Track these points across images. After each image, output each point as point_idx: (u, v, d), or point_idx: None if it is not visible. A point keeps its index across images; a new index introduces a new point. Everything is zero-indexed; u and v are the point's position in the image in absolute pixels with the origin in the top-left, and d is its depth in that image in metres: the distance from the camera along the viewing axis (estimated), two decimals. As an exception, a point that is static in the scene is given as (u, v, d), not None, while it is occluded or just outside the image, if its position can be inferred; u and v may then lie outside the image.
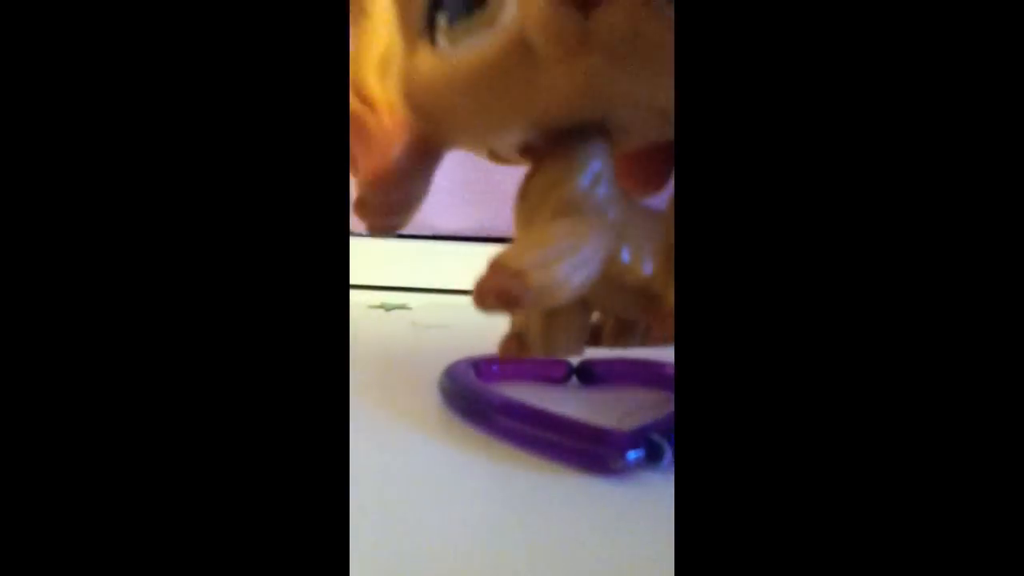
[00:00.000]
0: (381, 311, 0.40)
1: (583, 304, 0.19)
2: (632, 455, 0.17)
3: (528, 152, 0.19)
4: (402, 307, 0.40)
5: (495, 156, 0.20)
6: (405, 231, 0.39)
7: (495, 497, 0.17)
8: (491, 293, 0.15)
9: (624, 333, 0.20)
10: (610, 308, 0.20)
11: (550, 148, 0.18)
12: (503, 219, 0.20)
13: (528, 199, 0.18)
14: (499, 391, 0.21)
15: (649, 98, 0.17)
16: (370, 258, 0.45)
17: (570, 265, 0.16)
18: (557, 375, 0.25)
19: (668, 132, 0.18)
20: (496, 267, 0.16)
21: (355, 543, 0.13)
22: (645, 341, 0.18)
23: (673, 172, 0.21)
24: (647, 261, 0.18)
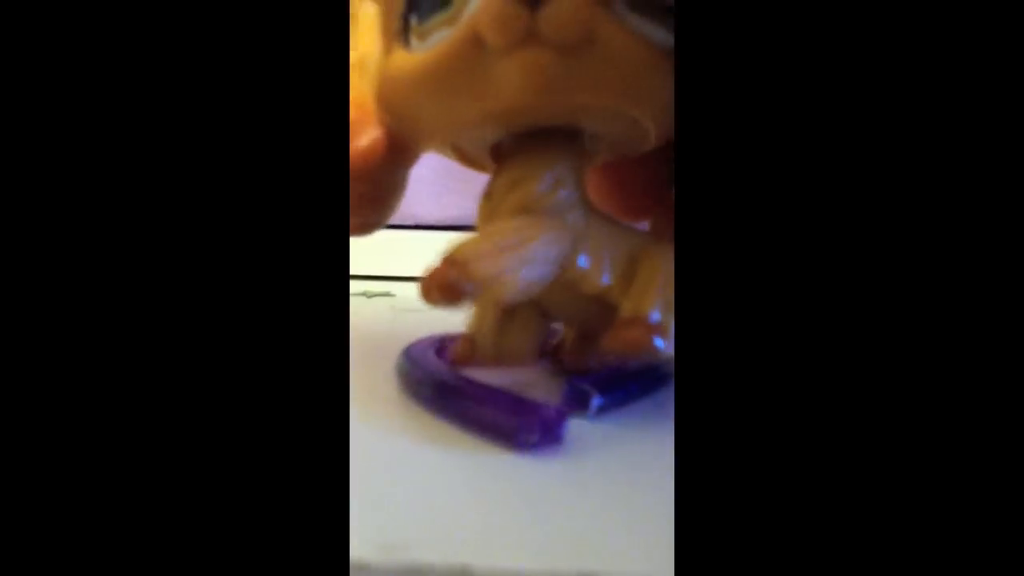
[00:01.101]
0: (363, 298, 0.41)
1: (539, 312, 0.19)
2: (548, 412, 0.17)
3: (496, 153, 0.19)
4: (385, 294, 0.41)
5: (467, 159, 0.20)
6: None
7: (440, 474, 0.16)
8: (435, 285, 0.16)
9: (585, 347, 0.20)
10: (567, 316, 0.20)
11: (516, 150, 0.19)
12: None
13: (490, 198, 0.19)
14: (444, 368, 0.21)
15: (616, 106, 0.17)
16: (353, 248, 0.45)
17: (517, 260, 0.17)
18: None
19: (644, 145, 0.19)
20: (443, 259, 0.16)
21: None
22: (608, 341, 0.18)
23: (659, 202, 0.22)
24: (605, 270, 0.18)
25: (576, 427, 0.18)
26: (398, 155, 0.19)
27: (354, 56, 0.20)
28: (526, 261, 0.17)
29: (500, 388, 0.19)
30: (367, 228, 0.20)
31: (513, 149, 0.19)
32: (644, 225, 0.22)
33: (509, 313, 0.19)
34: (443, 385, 0.19)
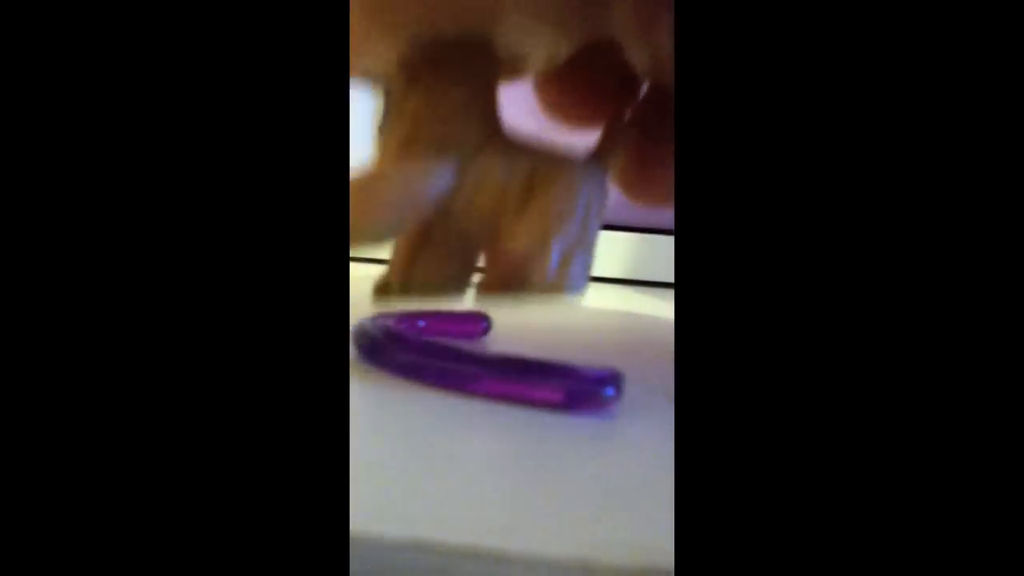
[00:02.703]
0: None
1: (458, 239, 0.18)
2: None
3: (405, 71, 0.17)
4: None
5: (376, 83, 0.19)
6: None
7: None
8: None
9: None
10: (471, 243, 0.18)
11: (424, 69, 0.17)
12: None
13: (382, 123, 0.18)
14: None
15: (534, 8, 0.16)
16: None
17: (378, 205, 0.16)
18: (475, 331, 0.22)
19: (563, 53, 0.18)
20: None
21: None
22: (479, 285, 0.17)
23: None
24: (491, 202, 0.17)
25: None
26: None
27: None
28: (397, 201, 0.16)
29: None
30: None
31: (421, 66, 0.17)
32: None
33: (424, 242, 0.18)
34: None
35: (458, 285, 0.19)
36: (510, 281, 0.17)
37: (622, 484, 0.13)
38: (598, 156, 0.18)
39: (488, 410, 0.15)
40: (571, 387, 0.15)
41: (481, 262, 0.19)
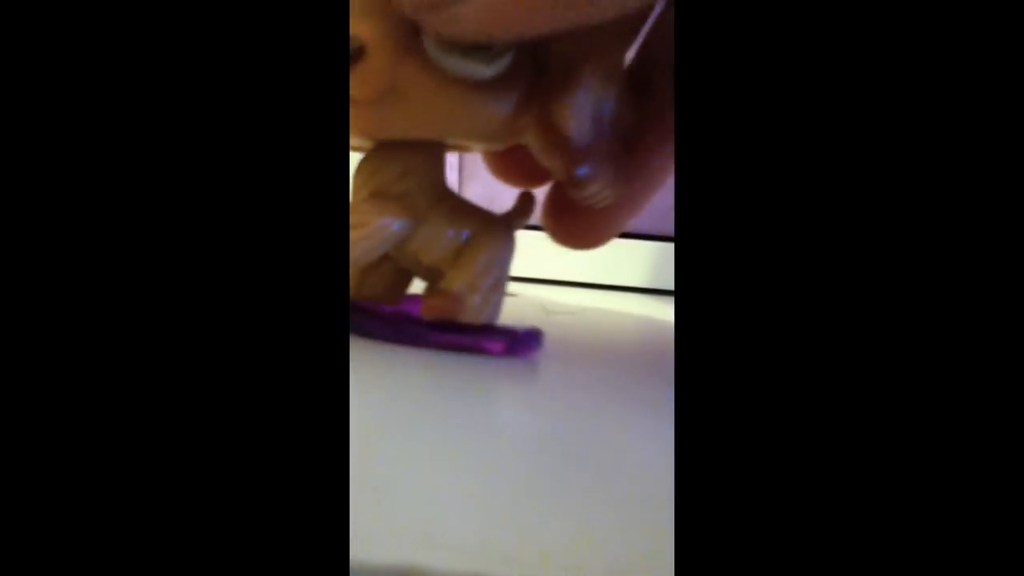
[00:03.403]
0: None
1: (395, 267, 0.24)
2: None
3: (375, 144, 0.23)
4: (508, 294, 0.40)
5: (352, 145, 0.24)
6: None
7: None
8: None
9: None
10: (415, 273, 0.25)
11: (388, 145, 0.22)
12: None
13: (356, 177, 0.23)
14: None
15: (426, 136, 0.21)
16: None
17: (354, 239, 0.21)
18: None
19: (488, 144, 0.23)
20: None
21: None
22: (422, 307, 0.24)
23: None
24: (436, 250, 0.23)
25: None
26: None
27: None
28: (366, 238, 0.21)
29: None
30: None
31: (376, 144, 0.23)
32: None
33: (370, 266, 0.24)
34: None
35: (394, 299, 0.25)
36: (446, 313, 0.23)
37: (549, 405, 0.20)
38: (512, 219, 0.25)
39: (449, 357, 0.23)
40: (510, 339, 0.23)
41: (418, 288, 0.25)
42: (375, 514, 0.12)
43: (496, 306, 0.24)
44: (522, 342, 0.23)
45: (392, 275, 0.25)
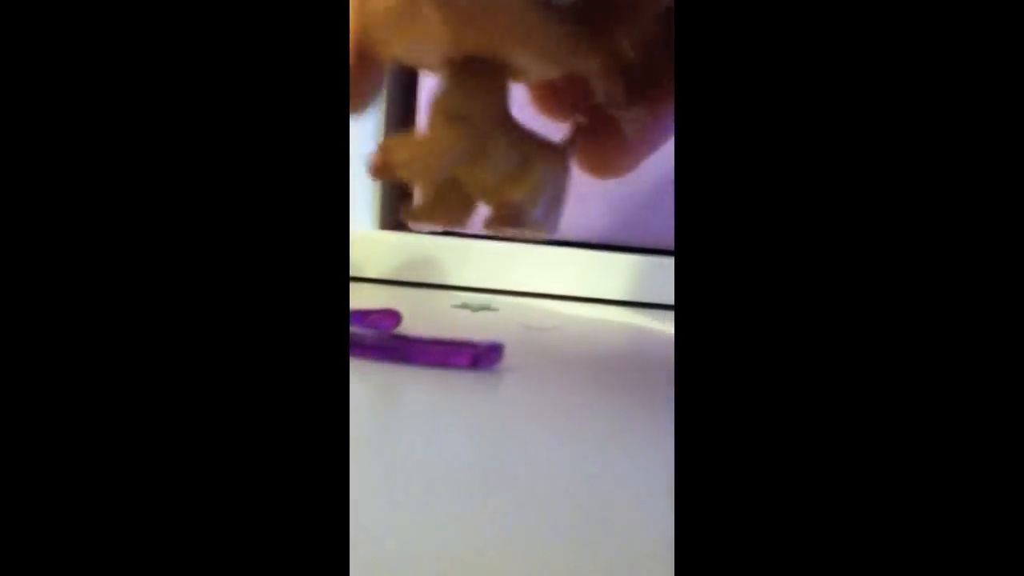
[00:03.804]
0: (465, 311, 0.41)
1: (462, 190, 0.26)
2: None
3: (448, 66, 0.26)
4: (487, 308, 0.41)
5: (429, 68, 0.27)
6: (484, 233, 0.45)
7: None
8: (370, 166, 0.23)
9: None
10: (477, 192, 0.26)
11: (459, 68, 0.25)
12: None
13: (431, 104, 0.25)
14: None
15: (519, 47, 0.23)
16: (455, 259, 0.49)
17: (423, 155, 0.24)
18: (391, 323, 0.31)
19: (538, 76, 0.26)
20: (383, 145, 0.23)
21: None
22: (487, 220, 0.26)
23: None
24: (499, 169, 0.25)
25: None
26: (367, 63, 0.26)
27: None
28: (437, 155, 0.24)
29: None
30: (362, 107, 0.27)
31: (458, 66, 0.25)
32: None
33: (438, 192, 0.26)
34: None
35: (462, 218, 0.27)
36: (510, 222, 0.25)
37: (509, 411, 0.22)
38: (567, 146, 0.27)
39: (420, 371, 0.24)
40: (474, 354, 0.25)
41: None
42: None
43: (555, 220, 0.26)
44: (485, 356, 0.25)
45: (459, 199, 0.26)
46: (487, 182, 0.25)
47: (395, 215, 0.59)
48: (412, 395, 0.22)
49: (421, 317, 0.37)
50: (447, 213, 0.27)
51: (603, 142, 0.27)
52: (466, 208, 0.27)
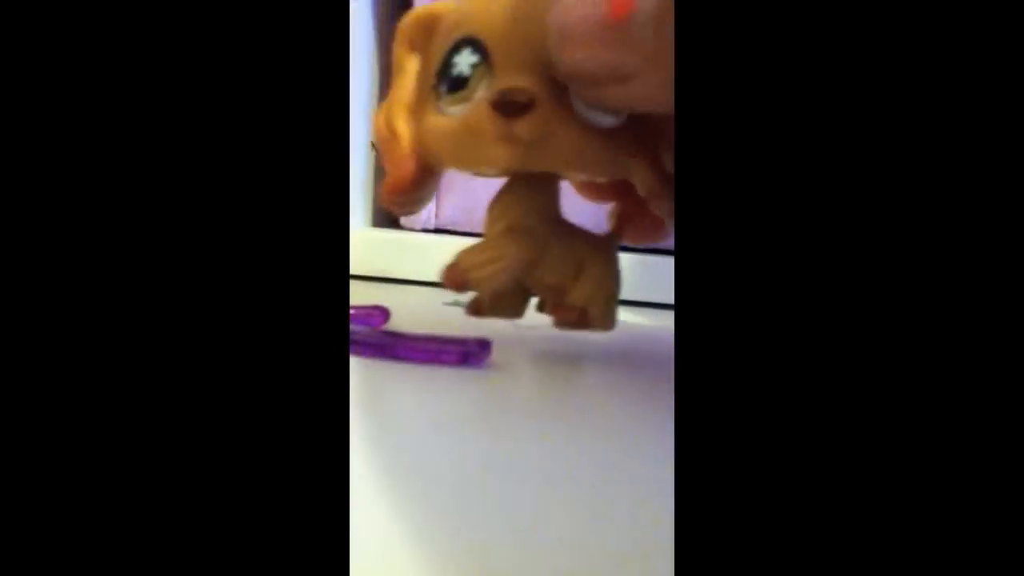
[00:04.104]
0: (456, 308, 0.40)
1: (522, 288, 0.29)
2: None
3: (509, 180, 0.28)
4: None
5: (485, 176, 0.29)
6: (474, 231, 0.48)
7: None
8: (447, 279, 0.26)
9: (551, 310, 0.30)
10: (540, 292, 0.29)
11: (507, 185, 0.27)
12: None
13: (491, 212, 0.27)
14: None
15: (566, 171, 0.26)
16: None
17: (495, 270, 0.26)
18: (380, 319, 0.32)
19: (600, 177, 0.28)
20: (454, 261, 0.26)
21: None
22: (554, 319, 0.28)
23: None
24: (559, 272, 0.27)
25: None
26: (427, 173, 0.28)
27: (403, 100, 0.28)
28: (502, 271, 0.26)
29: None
30: (409, 213, 0.30)
31: (507, 183, 0.27)
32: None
33: (505, 288, 0.28)
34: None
35: (521, 311, 0.29)
36: (575, 325, 0.27)
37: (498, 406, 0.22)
38: (614, 238, 0.29)
39: (412, 368, 0.25)
40: (463, 351, 0.25)
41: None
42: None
43: (614, 315, 0.28)
44: (474, 353, 0.25)
45: (518, 294, 0.29)
46: (547, 282, 0.27)
47: (387, 213, 0.60)
48: (400, 391, 0.22)
49: (412, 314, 0.37)
50: (508, 308, 0.29)
51: (642, 223, 0.30)
52: (524, 301, 0.30)
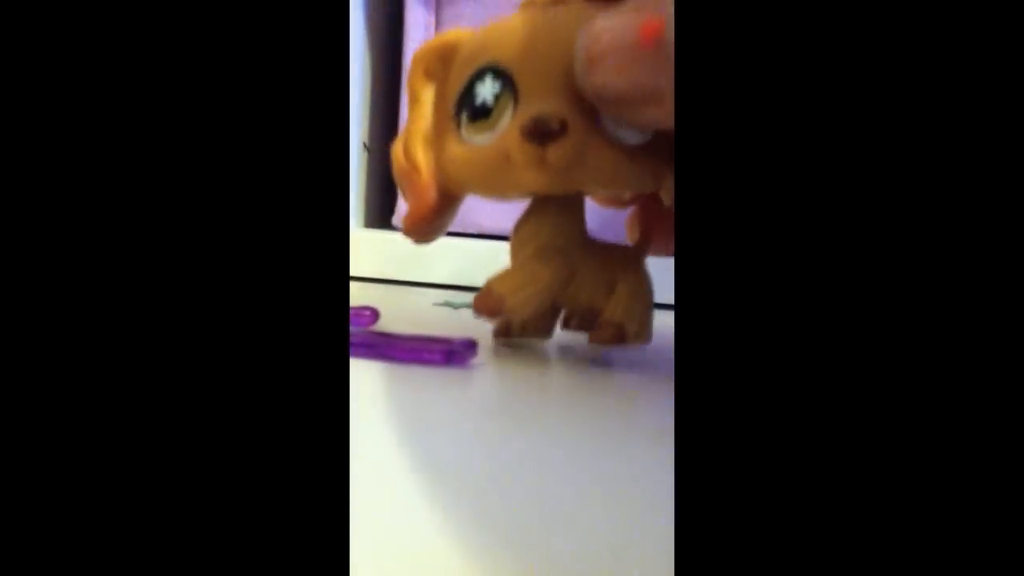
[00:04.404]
0: (447, 308, 0.41)
1: (554, 308, 0.29)
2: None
3: (537, 203, 0.28)
4: (468, 306, 0.41)
5: (504, 199, 0.29)
6: (471, 232, 0.51)
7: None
8: (482, 307, 0.25)
9: (582, 326, 0.30)
10: (572, 311, 0.30)
11: (534, 206, 0.28)
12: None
13: (518, 236, 0.27)
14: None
15: (597, 190, 0.27)
16: (438, 258, 0.50)
17: (530, 294, 0.26)
18: (370, 319, 0.32)
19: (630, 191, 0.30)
20: (487, 288, 0.26)
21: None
22: (591, 337, 0.28)
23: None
24: (591, 290, 0.27)
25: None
26: (448, 201, 0.28)
27: (421, 130, 0.28)
28: (535, 295, 0.26)
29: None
30: (428, 241, 0.30)
31: (533, 205, 0.28)
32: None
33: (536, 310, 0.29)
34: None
35: (548, 333, 0.30)
36: (614, 340, 0.27)
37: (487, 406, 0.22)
38: (641, 251, 0.30)
39: (398, 368, 0.25)
40: (448, 350, 0.25)
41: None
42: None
43: (650, 327, 0.28)
44: (459, 353, 0.25)
45: (548, 314, 0.30)
46: (581, 301, 0.28)
47: (379, 214, 0.60)
48: (387, 390, 0.23)
49: (402, 315, 0.37)
50: (540, 329, 0.30)
51: (666, 231, 0.31)
52: (554, 321, 0.30)
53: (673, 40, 0.19)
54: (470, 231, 0.53)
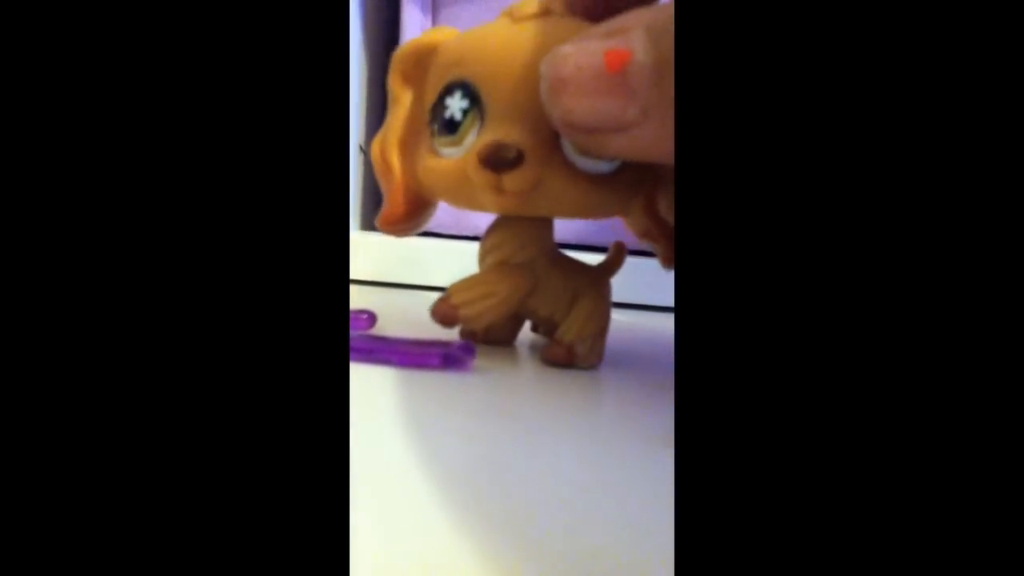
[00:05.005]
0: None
1: (514, 318, 0.30)
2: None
3: (502, 220, 0.28)
4: None
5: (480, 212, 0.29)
6: (469, 235, 0.52)
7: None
8: (438, 315, 0.26)
9: (548, 334, 0.30)
10: (534, 322, 0.30)
11: (500, 221, 0.28)
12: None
13: (484, 245, 0.28)
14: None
15: (557, 216, 0.26)
16: (435, 259, 0.50)
17: (487, 307, 0.26)
18: (368, 323, 0.32)
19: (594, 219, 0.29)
20: (445, 296, 0.26)
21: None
22: (542, 354, 0.28)
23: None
24: (552, 305, 0.28)
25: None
26: (422, 204, 0.29)
27: (398, 132, 0.28)
28: (493, 307, 0.26)
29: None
30: (403, 235, 0.31)
31: (501, 217, 0.28)
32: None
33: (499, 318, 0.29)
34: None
35: (510, 341, 0.31)
36: (563, 361, 0.27)
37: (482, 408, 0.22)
38: (609, 269, 0.30)
39: (396, 372, 0.25)
40: (445, 354, 0.25)
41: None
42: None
43: (601, 350, 0.28)
44: (457, 356, 0.25)
45: (511, 322, 0.30)
46: (540, 314, 0.28)
47: (375, 216, 0.60)
48: (384, 393, 0.22)
49: (399, 318, 0.37)
50: (501, 338, 0.30)
51: (666, 237, 0.31)
52: (517, 329, 0.31)
53: (647, 70, 0.18)
54: (467, 234, 0.53)
